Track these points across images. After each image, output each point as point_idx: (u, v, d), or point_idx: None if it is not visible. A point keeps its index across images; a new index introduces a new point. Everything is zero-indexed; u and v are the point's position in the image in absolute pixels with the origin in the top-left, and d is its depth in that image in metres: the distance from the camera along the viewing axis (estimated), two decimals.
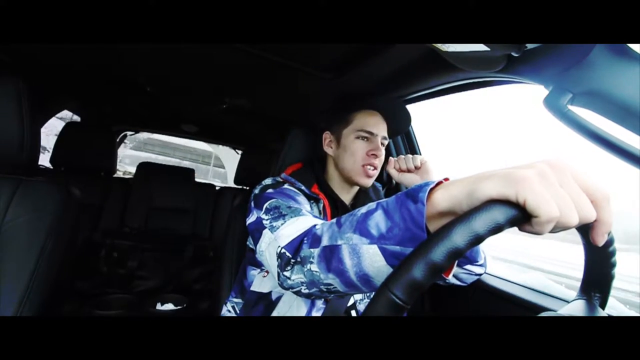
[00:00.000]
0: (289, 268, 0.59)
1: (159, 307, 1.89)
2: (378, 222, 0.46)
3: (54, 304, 0.88)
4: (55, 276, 0.85)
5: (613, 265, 0.43)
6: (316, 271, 0.53)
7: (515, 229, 0.33)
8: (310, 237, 0.58)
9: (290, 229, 0.65)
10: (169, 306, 1.91)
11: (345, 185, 0.96)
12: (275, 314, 0.82)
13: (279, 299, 0.83)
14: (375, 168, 0.92)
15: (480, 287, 1.00)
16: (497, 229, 0.31)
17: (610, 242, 0.41)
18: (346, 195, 0.97)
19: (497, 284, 0.99)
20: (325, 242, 0.53)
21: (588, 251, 0.44)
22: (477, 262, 0.83)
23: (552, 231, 0.33)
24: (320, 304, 0.84)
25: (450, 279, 0.89)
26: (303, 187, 0.89)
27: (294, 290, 0.60)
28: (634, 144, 0.51)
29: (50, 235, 0.84)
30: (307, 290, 0.58)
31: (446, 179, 0.43)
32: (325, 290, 0.55)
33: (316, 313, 0.83)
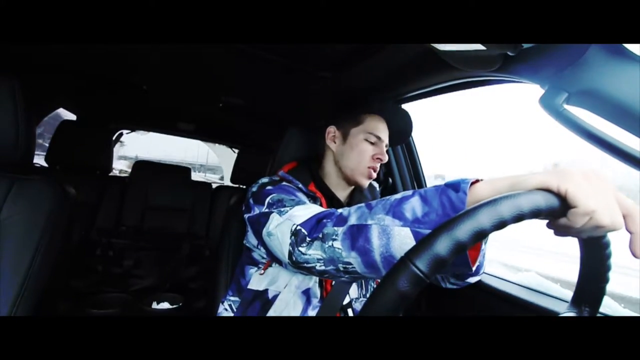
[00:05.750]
0: (304, 244, 0.60)
1: (154, 306, 1.89)
2: (414, 206, 0.48)
3: (49, 303, 0.88)
4: (50, 275, 0.85)
5: (607, 280, 0.44)
6: (338, 248, 0.55)
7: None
8: (334, 217, 0.59)
9: (305, 211, 0.66)
10: (165, 305, 1.90)
11: (342, 183, 0.96)
12: (271, 312, 0.82)
13: (275, 297, 0.83)
14: (376, 171, 0.94)
15: (476, 287, 1.01)
16: (537, 213, 0.32)
17: (608, 256, 0.42)
18: (342, 193, 0.98)
19: (494, 283, 0.99)
20: (353, 221, 0.54)
21: (584, 264, 0.45)
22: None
23: (580, 232, 0.36)
24: (316, 302, 0.84)
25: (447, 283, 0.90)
26: (300, 185, 0.89)
27: (308, 265, 0.60)
28: (629, 143, 0.51)
29: (45, 233, 0.83)
30: (322, 267, 0.59)
31: (480, 179, 0.45)
32: (342, 269, 0.56)
33: (312, 311, 0.83)
